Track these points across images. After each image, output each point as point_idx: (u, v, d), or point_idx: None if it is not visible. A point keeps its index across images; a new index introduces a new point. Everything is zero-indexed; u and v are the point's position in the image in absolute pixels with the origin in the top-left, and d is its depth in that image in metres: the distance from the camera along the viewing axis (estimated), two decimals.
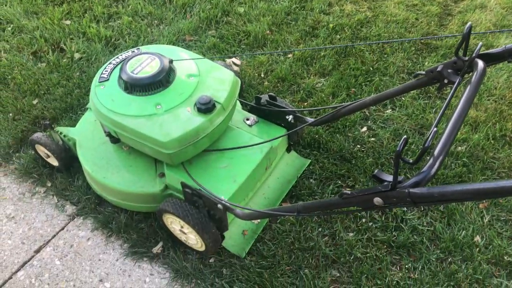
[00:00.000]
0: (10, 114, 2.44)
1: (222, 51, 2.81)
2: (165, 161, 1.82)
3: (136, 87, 1.75)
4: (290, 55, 2.78)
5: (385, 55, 2.76)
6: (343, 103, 1.82)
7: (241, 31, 2.94)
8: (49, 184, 2.18)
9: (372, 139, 2.29)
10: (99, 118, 1.80)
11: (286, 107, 2.02)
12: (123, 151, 1.98)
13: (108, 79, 1.85)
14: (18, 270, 1.89)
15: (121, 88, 1.79)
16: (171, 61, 1.84)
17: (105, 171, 1.92)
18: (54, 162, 2.17)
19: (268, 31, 2.93)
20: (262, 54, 2.77)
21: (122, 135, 1.76)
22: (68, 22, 3.01)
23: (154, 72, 1.76)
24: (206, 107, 1.72)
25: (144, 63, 1.80)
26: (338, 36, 2.89)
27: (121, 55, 1.94)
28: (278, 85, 2.59)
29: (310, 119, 1.96)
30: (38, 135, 2.10)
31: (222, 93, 1.80)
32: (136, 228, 1.98)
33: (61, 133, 2.11)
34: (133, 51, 1.95)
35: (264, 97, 2.06)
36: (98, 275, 1.86)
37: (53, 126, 2.11)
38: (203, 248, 1.84)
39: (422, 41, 2.84)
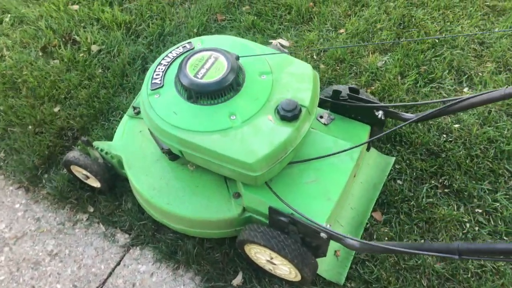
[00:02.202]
0: (30, 127, 2.06)
1: (263, 30, 2.42)
2: (247, 183, 1.50)
3: (203, 95, 1.40)
4: (341, 30, 2.41)
5: (449, 23, 2.40)
6: (457, 97, 1.50)
7: (280, 5, 2.54)
8: (91, 210, 1.85)
9: (457, 125, 1.98)
10: (161, 136, 1.45)
11: (372, 100, 1.69)
12: (184, 168, 1.64)
13: (162, 86, 1.49)
14: None
15: (183, 97, 1.43)
16: (237, 58, 1.49)
17: (167, 195, 1.59)
18: (94, 183, 1.83)
19: (311, 3, 2.54)
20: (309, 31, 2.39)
21: (192, 155, 1.43)
22: (76, 7, 2.56)
23: (222, 74, 1.41)
24: (292, 114, 1.38)
25: (207, 63, 1.44)
26: (392, 4, 2.51)
27: (170, 52, 1.58)
28: (337, 68, 2.24)
29: (409, 115, 1.63)
30: (74, 154, 1.75)
31: (305, 94, 1.46)
32: (209, 258, 1.68)
33: (101, 150, 1.76)
34: (184, 46, 1.59)
35: (344, 90, 1.73)
36: None
37: (90, 141, 1.75)
38: (297, 279, 1.56)
39: (487, 2, 2.49)
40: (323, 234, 1.38)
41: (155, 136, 1.64)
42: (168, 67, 1.53)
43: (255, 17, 2.48)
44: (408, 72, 2.18)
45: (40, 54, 2.35)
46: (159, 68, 1.54)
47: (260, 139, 1.36)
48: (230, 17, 2.52)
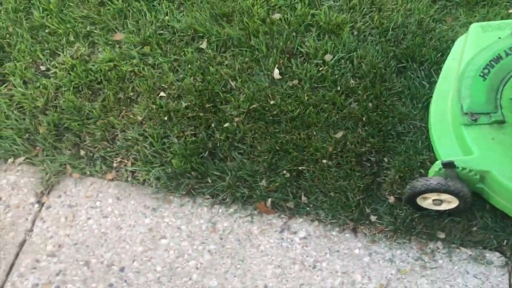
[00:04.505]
0: (324, 161, 1.82)
1: None
2: None
3: None
4: None
5: None
6: None
7: None
8: (442, 236, 1.67)
9: None
10: None
11: None
12: None
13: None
14: None
15: None
16: None
17: None
18: (450, 205, 1.64)
19: None
20: None
21: None
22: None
23: None
24: None
25: None
26: None
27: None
28: None
29: None
30: (437, 181, 1.54)
31: None
32: None
33: (463, 168, 1.55)
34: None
35: None
36: None
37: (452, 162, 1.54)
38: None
39: None
40: None
41: None
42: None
43: None
44: None
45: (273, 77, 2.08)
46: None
47: None
48: None
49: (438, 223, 1.69)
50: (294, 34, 2.20)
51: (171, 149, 1.92)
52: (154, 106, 2.04)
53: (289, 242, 1.72)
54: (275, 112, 1.97)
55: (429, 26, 2.15)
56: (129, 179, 1.91)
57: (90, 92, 2.13)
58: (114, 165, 1.94)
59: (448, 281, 1.60)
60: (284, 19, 2.25)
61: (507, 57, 1.69)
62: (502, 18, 2.14)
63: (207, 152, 1.91)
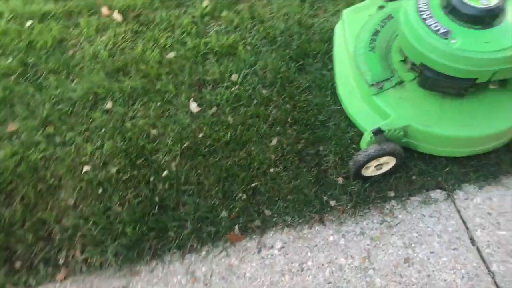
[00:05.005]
0: None
1: None
2: None
3: None
4: None
5: None
6: None
7: None
8: (392, 194, 1.86)
9: None
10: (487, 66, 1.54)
11: None
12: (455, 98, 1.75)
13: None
14: None
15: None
16: None
17: (471, 121, 1.73)
18: (388, 166, 1.83)
19: None
20: None
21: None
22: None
23: None
24: None
25: None
26: None
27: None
28: None
29: None
30: (374, 148, 1.72)
31: None
32: None
33: (389, 130, 1.75)
34: None
35: None
36: None
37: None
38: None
39: None
40: None
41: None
42: None
43: None
44: None
45: None
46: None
47: None
48: None
49: (385, 184, 1.88)
50: (195, 65, 2.26)
51: (119, 219, 1.83)
52: (82, 184, 1.93)
53: (270, 257, 1.76)
54: (208, 143, 2.00)
55: (308, 23, 2.38)
56: (83, 269, 1.75)
57: (4, 196, 1.93)
58: (61, 262, 1.77)
59: (413, 229, 1.79)
60: (180, 55, 2.30)
61: (383, 29, 1.95)
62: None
63: (156, 208, 1.86)
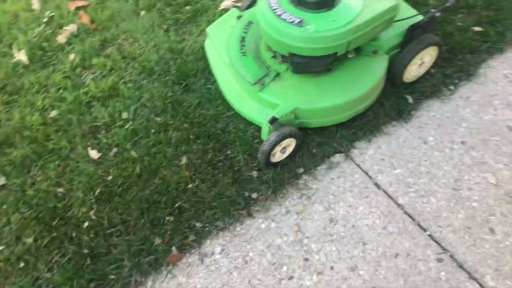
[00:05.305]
0: None
1: None
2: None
3: None
4: None
5: None
6: None
7: None
8: (301, 170, 2.06)
9: None
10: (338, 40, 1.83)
11: None
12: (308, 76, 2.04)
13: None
14: None
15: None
16: None
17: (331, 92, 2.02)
18: (291, 147, 2.03)
19: None
20: None
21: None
22: None
23: None
24: None
25: None
26: None
27: None
28: None
29: None
30: (275, 135, 1.90)
31: None
32: None
33: (282, 116, 1.95)
34: None
35: None
36: None
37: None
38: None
39: None
40: None
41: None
42: None
43: None
44: None
45: None
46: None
47: None
48: None
49: (293, 164, 2.07)
50: (81, 116, 2.25)
51: (52, 285, 1.74)
52: (0, 264, 1.79)
53: (214, 263, 1.82)
54: (120, 182, 2.00)
55: (178, 48, 2.53)
56: None
57: None
58: None
59: (328, 193, 2.00)
60: (62, 111, 2.27)
61: (247, 34, 2.18)
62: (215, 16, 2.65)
63: (88, 259, 1.81)
